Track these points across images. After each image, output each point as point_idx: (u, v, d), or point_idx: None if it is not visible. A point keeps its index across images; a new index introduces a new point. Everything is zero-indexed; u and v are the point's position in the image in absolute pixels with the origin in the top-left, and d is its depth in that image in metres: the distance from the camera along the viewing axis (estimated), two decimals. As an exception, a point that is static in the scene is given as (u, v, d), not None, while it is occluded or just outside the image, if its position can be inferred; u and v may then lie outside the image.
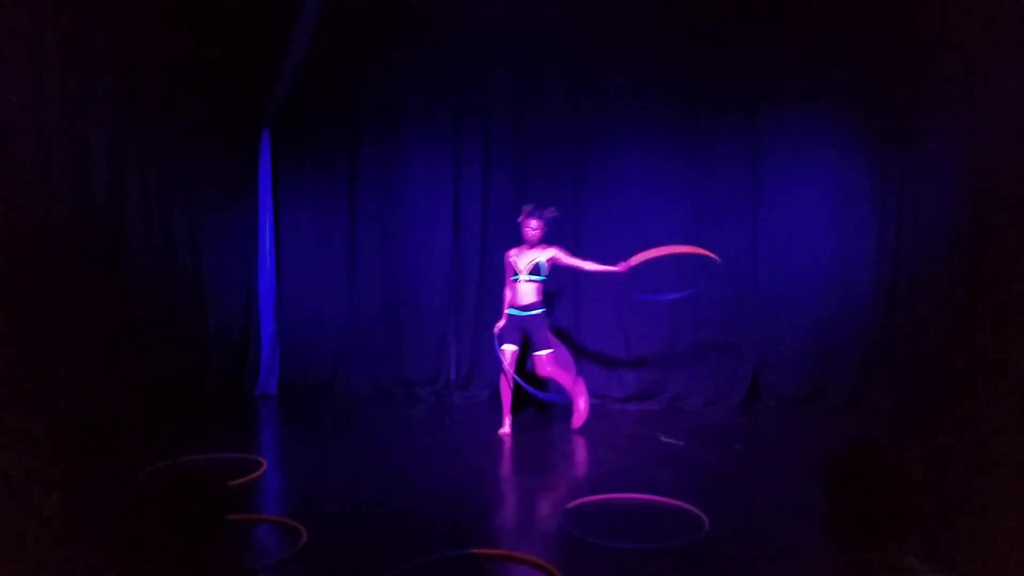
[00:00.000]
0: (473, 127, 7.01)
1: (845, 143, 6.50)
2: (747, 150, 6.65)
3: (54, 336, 4.75)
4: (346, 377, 7.23)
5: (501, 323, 5.72)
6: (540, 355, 5.66)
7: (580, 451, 5.36)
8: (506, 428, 5.73)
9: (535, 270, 5.59)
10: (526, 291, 5.60)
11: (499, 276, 6.02)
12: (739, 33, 6.54)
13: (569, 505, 4.01)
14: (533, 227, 5.56)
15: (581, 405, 5.77)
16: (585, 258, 5.69)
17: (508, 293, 5.72)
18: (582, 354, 6.87)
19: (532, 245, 5.63)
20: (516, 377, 5.62)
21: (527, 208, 5.64)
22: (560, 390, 6.01)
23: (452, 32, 6.84)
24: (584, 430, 5.98)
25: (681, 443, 5.43)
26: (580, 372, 6.87)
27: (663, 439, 5.54)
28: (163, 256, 6.09)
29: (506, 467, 5.25)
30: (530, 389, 5.67)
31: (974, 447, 4.94)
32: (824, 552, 3.31)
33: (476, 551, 3.45)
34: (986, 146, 5.31)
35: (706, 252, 5.56)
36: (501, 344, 5.68)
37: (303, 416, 6.51)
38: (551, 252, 5.62)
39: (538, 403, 6.52)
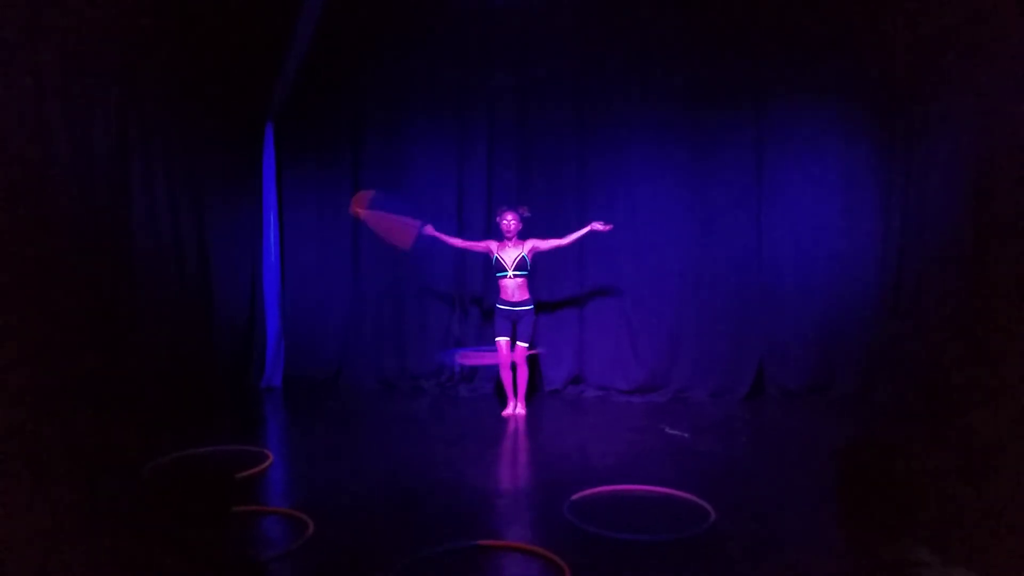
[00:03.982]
0: (477, 120, 7.00)
1: (850, 139, 6.48)
2: (752, 145, 6.62)
3: (60, 331, 4.76)
4: (351, 370, 7.24)
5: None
6: (521, 345, 6.00)
7: (585, 443, 5.37)
8: (510, 409, 6.05)
9: (521, 265, 5.91)
10: (514, 287, 5.94)
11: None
12: (744, 28, 6.50)
13: (574, 497, 4.02)
14: (509, 219, 5.92)
15: (520, 410, 6.07)
16: (564, 236, 6.00)
17: (459, 242, 6.19)
18: (587, 346, 6.88)
19: (511, 238, 5.93)
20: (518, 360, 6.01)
21: (502, 207, 6.05)
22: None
23: (455, 25, 6.81)
24: (589, 421, 6.01)
25: (686, 435, 5.43)
26: (584, 364, 6.90)
27: (668, 431, 5.55)
28: (168, 251, 6.10)
29: (511, 459, 5.26)
30: (536, 351, 6.25)
31: (980, 441, 4.93)
32: (831, 544, 3.32)
33: (482, 542, 3.46)
34: (992, 144, 5.28)
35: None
36: (497, 335, 6.03)
37: (308, 409, 6.52)
38: (530, 244, 5.97)
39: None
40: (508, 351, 5.98)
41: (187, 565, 1.76)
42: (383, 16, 6.85)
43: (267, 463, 4.66)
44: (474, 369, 7.04)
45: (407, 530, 3.65)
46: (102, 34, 5.26)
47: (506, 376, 6.08)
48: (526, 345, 6.01)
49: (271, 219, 7.13)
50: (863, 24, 6.17)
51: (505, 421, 5.92)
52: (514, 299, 5.94)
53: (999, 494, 4.00)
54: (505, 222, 5.93)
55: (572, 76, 6.82)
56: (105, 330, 5.25)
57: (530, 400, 6.26)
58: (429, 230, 5.98)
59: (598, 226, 5.87)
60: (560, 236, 6.07)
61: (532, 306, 6.01)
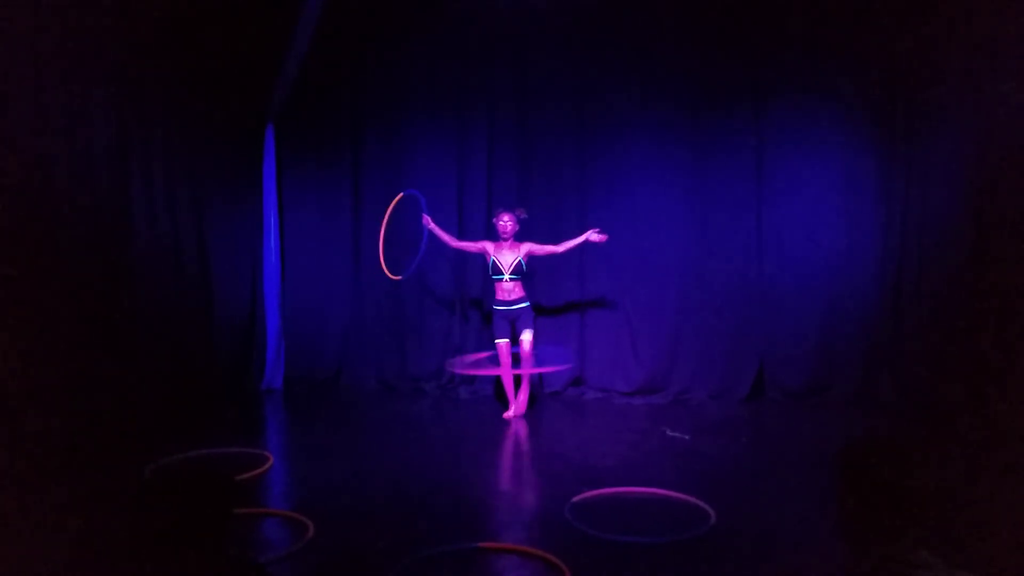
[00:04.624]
0: (476, 121, 7.00)
1: (850, 138, 6.47)
2: (752, 145, 6.61)
3: (60, 333, 4.76)
4: (351, 372, 7.24)
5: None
6: (523, 337, 5.99)
7: (586, 445, 5.36)
8: (511, 412, 6.02)
9: (517, 269, 5.94)
10: (510, 288, 5.97)
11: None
12: (744, 27, 6.51)
13: (575, 499, 4.01)
14: (505, 221, 5.95)
15: (522, 397, 6.07)
16: (560, 242, 6.02)
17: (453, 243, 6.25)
18: (587, 348, 6.88)
19: (507, 240, 5.97)
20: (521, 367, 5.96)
21: (499, 208, 6.12)
22: (564, 357, 6.40)
23: (455, 26, 6.82)
24: (590, 423, 6.01)
25: (687, 437, 5.43)
26: (585, 366, 6.90)
27: (669, 433, 5.54)
28: (168, 252, 6.09)
29: (511, 461, 5.26)
30: (539, 370, 6.23)
31: (981, 440, 4.92)
32: (831, 545, 3.32)
33: (482, 544, 3.46)
34: (991, 142, 5.29)
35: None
36: (496, 338, 6.04)
37: (309, 410, 6.52)
38: (526, 247, 5.98)
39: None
40: (508, 353, 5.98)
41: (187, 567, 1.75)
42: (383, 16, 6.85)
43: (267, 465, 4.66)
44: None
45: (407, 532, 3.65)
46: (102, 34, 5.26)
47: (507, 378, 6.07)
48: (529, 337, 5.94)
49: (271, 220, 7.12)
50: (863, 24, 6.18)
51: (506, 423, 5.91)
52: (510, 299, 5.97)
53: (1000, 494, 4.00)
54: (502, 223, 5.95)
55: (572, 76, 6.82)
56: (105, 332, 5.24)
57: (531, 402, 6.25)
58: (428, 222, 6.02)
59: (593, 236, 5.86)
60: (558, 239, 6.09)
61: (528, 303, 6.02)
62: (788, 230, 6.60)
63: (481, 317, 6.95)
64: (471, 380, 7.03)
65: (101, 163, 5.31)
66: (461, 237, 6.71)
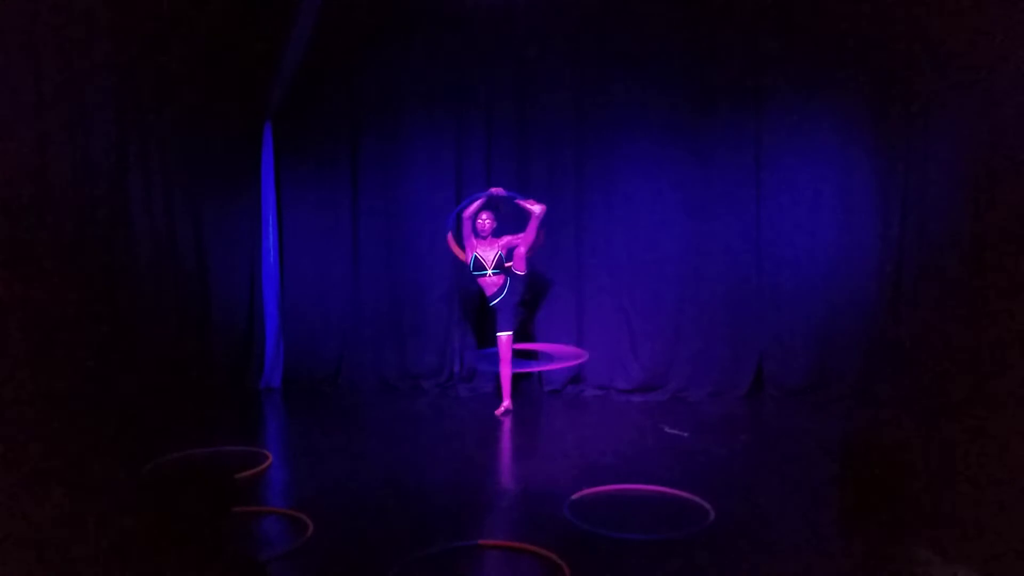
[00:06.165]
0: (475, 120, 6.99)
1: (849, 137, 6.46)
2: (751, 144, 6.60)
3: (58, 332, 4.76)
4: (350, 370, 7.23)
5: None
6: (501, 336, 6.04)
7: (585, 442, 5.37)
8: (502, 408, 6.05)
9: (499, 263, 6.03)
10: (493, 282, 6.06)
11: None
12: (742, 26, 6.50)
13: (574, 496, 4.02)
14: (484, 219, 6.04)
15: (506, 402, 6.10)
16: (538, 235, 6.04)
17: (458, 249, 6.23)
18: (586, 345, 6.87)
19: (486, 237, 6.05)
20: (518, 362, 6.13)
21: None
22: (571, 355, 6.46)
23: (453, 24, 6.80)
24: (589, 421, 6.01)
25: (686, 434, 5.43)
26: (584, 363, 6.90)
27: (667, 430, 5.55)
28: (167, 251, 6.09)
29: (510, 458, 5.26)
30: (539, 366, 6.39)
31: (981, 438, 4.93)
32: (831, 544, 3.33)
33: (481, 542, 3.46)
34: (990, 140, 5.29)
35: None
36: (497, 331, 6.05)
37: (308, 409, 6.52)
38: (505, 240, 6.09)
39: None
40: (509, 347, 6.01)
41: (187, 566, 1.75)
42: (381, 15, 6.84)
43: (266, 464, 4.66)
44: (473, 369, 7.04)
45: (407, 530, 3.65)
46: (100, 34, 5.25)
47: (506, 373, 6.06)
48: (505, 335, 6.02)
49: (270, 218, 7.11)
50: (863, 24, 6.17)
51: (502, 421, 5.91)
52: (491, 292, 6.06)
53: (1000, 494, 4.00)
54: (480, 222, 6.00)
55: (571, 74, 6.80)
56: (103, 331, 5.24)
57: (530, 400, 6.25)
58: (498, 192, 6.05)
59: (532, 207, 5.90)
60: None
61: (506, 292, 6.03)
62: (787, 228, 6.59)
63: (479, 316, 6.95)
64: (470, 378, 7.03)
65: (99, 162, 5.31)
66: (459, 236, 6.74)
